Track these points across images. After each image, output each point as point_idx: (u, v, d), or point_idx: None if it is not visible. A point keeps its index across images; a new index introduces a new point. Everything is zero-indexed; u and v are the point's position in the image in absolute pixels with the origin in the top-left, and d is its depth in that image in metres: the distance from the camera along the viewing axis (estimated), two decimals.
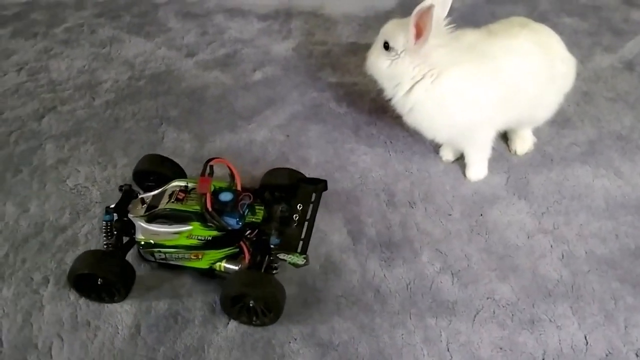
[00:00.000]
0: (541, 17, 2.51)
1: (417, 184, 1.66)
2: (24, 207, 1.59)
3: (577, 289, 1.36)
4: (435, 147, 1.75)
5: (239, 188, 1.34)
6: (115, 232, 1.36)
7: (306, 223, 1.35)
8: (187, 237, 1.30)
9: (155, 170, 1.51)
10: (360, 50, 2.26)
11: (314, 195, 1.42)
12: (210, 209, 1.25)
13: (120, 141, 1.84)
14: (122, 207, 1.37)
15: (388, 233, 1.51)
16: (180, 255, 1.33)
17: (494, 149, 1.72)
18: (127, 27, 2.50)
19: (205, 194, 1.26)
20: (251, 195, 1.34)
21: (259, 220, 1.33)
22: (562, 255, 1.44)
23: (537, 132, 1.77)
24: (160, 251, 1.33)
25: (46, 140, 1.85)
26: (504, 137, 1.78)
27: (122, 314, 1.32)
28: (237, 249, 1.32)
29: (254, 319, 1.27)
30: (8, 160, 1.76)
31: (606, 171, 1.68)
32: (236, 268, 1.32)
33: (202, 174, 1.31)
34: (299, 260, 1.27)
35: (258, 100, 2.03)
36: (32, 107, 2.00)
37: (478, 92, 1.46)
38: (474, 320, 1.30)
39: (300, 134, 1.87)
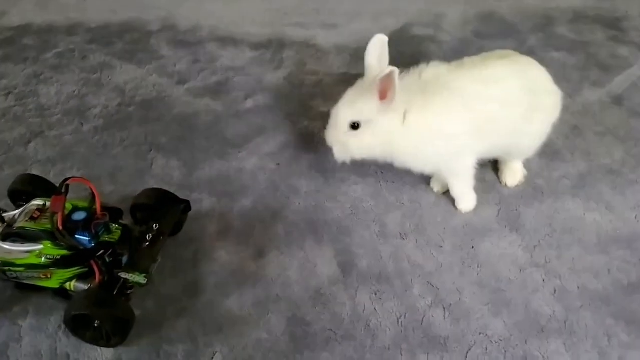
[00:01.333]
0: (529, 52, 2.53)
1: (408, 216, 1.64)
2: None
3: (570, 325, 1.34)
4: (427, 179, 1.74)
5: (98, 208, 1.32)
6: None
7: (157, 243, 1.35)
8: (37, 256, 1.28)
9: (27, 190, 1.49)
10: (351, 80, 2.27)
11: (170, 215, 1.44)
12: (60, 228, 1.24)
13: (108, 167, 1.82)
14: None
15: (379, 265, 1.49)
16: (29, 274, 1.30)
17: (485, 180, 1.73)
18: (119, 54, 2.50)
19: (57, 213, 1.25)
20: (107, 215, 1.33)
21: (114, 240, 1.32)
22: (555, 290, 1.42)
23: (527, 164, 1.77)
24: (10, 270, 1.30)
25: (32, 165, 1.82)
26: (495, 168, 1.78)
27: (102, 348, 1.26)
28: (87, 269, 1.30)
29: (100, 340, 1.25)
30: None
31: (597, 205, 1.68)
32: (86, 287, 1.30)
33: (58, 193, 1.28)
34: (140, 279, 1.26)
35: (249, 128, 2.02)
36: (19, 132, 1.97)
37: (445, 124, 1.47)
38: (466, 356, 1.26)
39: (291, 162, 1.86)
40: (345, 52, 2.53)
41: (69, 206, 1.31)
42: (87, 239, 1.27)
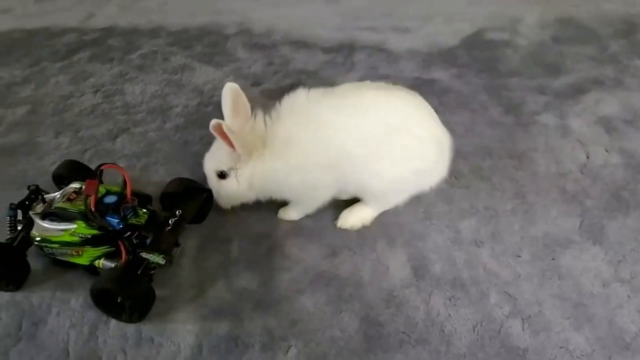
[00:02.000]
0: (612, 59, 2.45)
1: (483, 222, 1.61)
2: None
3: None
4: (502, 186, 1.70)
5: (128, 193, 1.41)
6: (17, 227, 1.45)
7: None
8: (71, 234, 1.37)
9: (69, 174, 1.61)
10: (424, 85, 2.27)
11: (193, 203, 1.56)
12: (92, 210, 1.34)
13: (188, 164, 1.90)
14: (24, 204, 1.46)
15: (453, 271, 1.47)
16: (63, 251, 1.41)
17: (565, 191, 1.67)
18: (198, 56, 2.61)
19: (90, 196, 1.34)
20: (136, 200, 1.42)
21: (140, 223, 1.40)
22: None
23: (611, 174, 1.69)
24: (47, 246, 1.41)
25: (119, 159, 1.92)
26: (576, 179, 1.71)
27: (184, 333, 1.32)
28: (115, 248, 1.39)
29: (123, 315, 1.33)
30: None
31: None
32: (112, 265, 1.38)
33: (92, 177, 1.40)
34: (159, 260, 1.35)
35: None
36: (106, 128, 2.09)
37: (292, 156, 1.43)
38: None
39: None
40: (418, 56, 2.52)
41: (102, 190, 1.42)
42: (116, 220, 1.37)
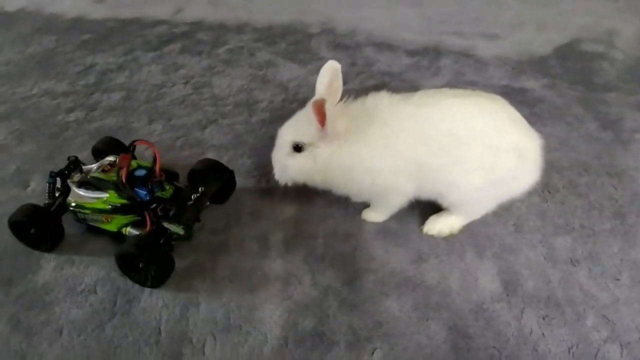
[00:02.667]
0: None
1: (579, 241, 1.54)
2: None
3: None
4: (601, 205, 1.62)
5: (157, 169, 1.52)
6: (55, 194, 1.58)
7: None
8: (103, 202, 1.49)
9: (106, 149, 1.72)
10: (514, 93, 2.20)
11: (214, 181, 1.64)
12: (123, 181, 1.45)
13: None
14: (63, 173, 1.59)
15: (547, 289, 1.41)
16: (94, 217, 1.52)
17: None
18: (283, 53, 2.65)
19: (122, 168, 1.46)
20: (163, 175, 1.54)
21: (165, 197, 1.51)
22: None
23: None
24: (80, 212, 1.53)
25: (207, 149, 1.98)
26: None
27: (271, 324, 1.34)
28: (141, 218, 1.49)
29: (144, 280, 1.43)
30: (174, 162, 1.91)
31: None
32: (137, 233, 1.48)
33: (126, 152, 1.54)
34: (179, 230, 1.44)
35: None
36: (196, 118, 2.16)
37: (368, 159, 1.41)
38: None
39: None
40: (507, 64, 2.44)
41: (134, 164, 1.55)
42: (144, 192, 1.47)
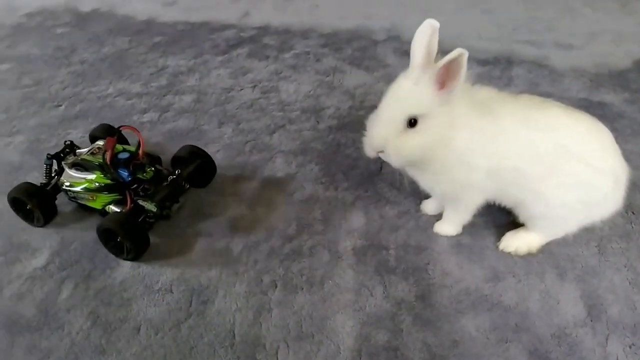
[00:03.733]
0: None
1: None
2: (256, 212, 1.73)
3: None
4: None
5: (140, 153, 1.65)
6: (52, 174, 1.74)
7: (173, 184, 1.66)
8: (90, 182, 1.63)
9: (101, 135, 1.84)
10: (592, 107, 2.10)
11: (190, 164, 1.75)
12: (107, 162, 1.59)
13: (342, 165, 1.92)
14: (59, 156, 1.75)
15: (633, 316, 1.34)
16: (82, 196, 1.66)
17: None
18: (349, 59, 2.64)
19: (107, 151, 1.61)
20: (145, 158, 1.68)
21: (145, 178, 1.65)
22: None
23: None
24: (70, 191, 1.67)
25: (276, 154, 2.00)
26: None
27: (343, 335, 1.33)
28: (122, 197, 1.63)
29: (120, 253, 1.56)
30: (244, 166, 1.94)
31: None
32: (119, 210, 1.61)
33: (112, 136, 1.68)
34: (152, 207, 1.57)
35: None
36: (264, 123, 2.19)
37: (478, 155, 1.33)
38: None
39: None
40: (584, 76, 2.35)
41: (119, 147, 1.69)
42: (126, 174, 1.62)
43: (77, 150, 1.77)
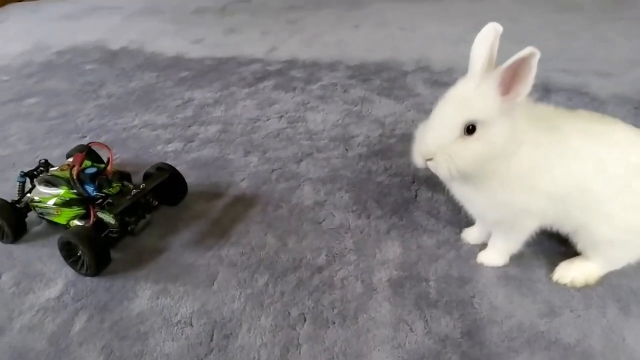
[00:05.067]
0: None
1: None
2: (283, 241, 1.62)
3: None
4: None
5: (109, 168, 1.66)
6: (24, 192, 1.75)
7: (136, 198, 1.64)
8: (57, 197, 1.63)
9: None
10: None
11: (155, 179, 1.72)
12: (74, 177, 1.60)
13: (374, 193, 1.81)
14: (31, 173, 1.78)
15: None
16: (49, 211, 1.66)
17: None
18: (377, 90, 2.58)
19: (74, 166, 1.62)
20: (111, 174, 1.67)
21: (112, 193, 1.64)
22: None
23: None
24: (39, 206, 1.68)
25: (304, 182, 1.90)
26: None
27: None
28: (86, 211, 1.61)
29: (80, 268, 1.53)
30: (270, 195, 1.84)
31: None
32: (82, 224, 1.58)
33: (80, 152, 1.70)
34: (110, 219, 1.56)
35: None
36: (292, 151, 2.11)
37: (543, 175, 1.20)
38: None
39: None
40: (628, 103, 2.22)
41: (88, 163, 1.69)
42: (92, 188, 1.63)
43: (51, 169, 1.78)
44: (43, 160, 1.83)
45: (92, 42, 3.65)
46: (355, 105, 2.44)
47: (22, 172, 1.77)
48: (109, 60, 3.28)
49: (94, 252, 1.49)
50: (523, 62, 1.07)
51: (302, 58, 3.05)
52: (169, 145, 2.21)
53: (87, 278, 1.53)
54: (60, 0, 5.09)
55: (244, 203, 1.80)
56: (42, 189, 1.68)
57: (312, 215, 1.72)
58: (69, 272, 1.56)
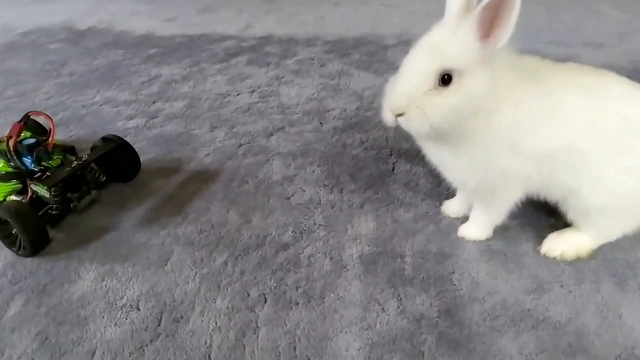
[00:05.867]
0: None
1: None
2: (246, 218, 1.47)
3: None
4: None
5: (50, 140, 1.52)
6: None
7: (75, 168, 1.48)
8: None
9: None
10: None
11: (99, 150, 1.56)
12: (11, 149, 1.46)
13: (348, 167, 1.67)
14: None
15: None
16: None
17: None
18: (356, 63, 2.43)
19: (11, 137, 1.48)
20: (52, 146, 1.53)
21: (51, 166, 1.50)
22: None
23: None
24: None
25: (273, 156, 1.75)
26: None
27: (348, 358, 1.04)
28: (22, 186, 1.46)
29: (13, 246, 1.38)
30: (235, 170, 1.69)
31: None
32: (19, 199, 1.42)
33: (19, 122, 1.52)
34: (44, 192, 1.41)
35: None
36: (262, 125, 1.96)
37: (527, 133, 1.06)
38: None
39: None
40: (621, 72, 2.05)
41: (27, 134, 1.56)
42: (29, 161, 1.49)
43: None
44: None
45: (59, 22, 3.46)
46: (333, 79, 2.29)
47: None
48: (75, 39, 3.10)
49: (29, 229, 1.33)
50: (503, 1, 0.92)
51: (278, 34, 2.90)
52: (130, 122, 2.05)
53: (28, 260, 1.37)
54: None
55: (206, 179, 1.64)
56: None
57: (279, 190, 1.58)
58: (8, 253, 1.40)
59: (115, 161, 1.60)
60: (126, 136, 1.92)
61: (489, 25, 0.96)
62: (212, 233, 1.42)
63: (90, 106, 2.21)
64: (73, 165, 1.47)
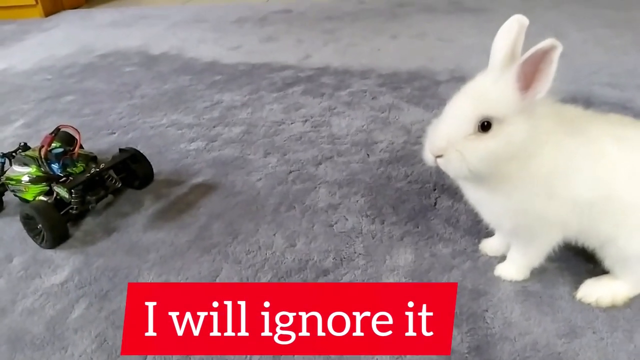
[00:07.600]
0: None
1: None
2: (291, 242, 1.56)
3: None
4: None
5: (76, 150, 1.77)
6: (3, 171, 1.86)
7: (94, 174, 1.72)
8: (28, 174, 1.75)
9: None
10: None
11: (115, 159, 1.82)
12: (41, 156, 1.73)
13: (391, 199, 1.73)
14: (9, 154, 1.88)
15: None
16: (18, 188, 1.77)
17: None
18: (407, 97, 2.50)
19: (43, 147, 1.74)
20: (77, 155, 1.79)
21: (74, 172, 1.75)
22: None
23: None
24: (10, 184, 1.80)
25: (320, 184, 1.85)
26: None
27: None
28: (49, 188, 1.71)
29: (39, 240, 1.63)
30: (284, 195, 1.79)
31: None
32: (45, 200, 1.65)
33: (51, 134, 1.78)
34: (65, 193, 1.64)
35: None
36: (312, 154, 2.06)
37: (565, 180, 1.09)
38: None
39: None
40: None
41: (56, 144, 1.79)
42: (57, 167, 1.74)
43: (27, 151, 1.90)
44: (22, 143, 1.93)
45: (134, 47, 3.75)
46: (383, 112, 2.37)
47: (2, 153, 1.88)
48: (148, 63, 3.36)
49: (51, 226, 1.58)
50: (543, 56, 0.97)
51: (335, 65, 3.02)
52: (191, 144, 2.21)
53: (93, 267, 1.52)
54: (109, 8, 5.30)
55: (256, 202, 1.76)
56: (16, 168, 1.81)
57: (324, 217, 1.66)
58: (77, 260, 1.56)
59: (131, 169, 1.87)
60: (187, 157, 2.09)
61: (529, 78, 1.01)
62: (258, 254, 1.52)
63: (158, 127, 2.40)
64: (91, 172, 1.71)
